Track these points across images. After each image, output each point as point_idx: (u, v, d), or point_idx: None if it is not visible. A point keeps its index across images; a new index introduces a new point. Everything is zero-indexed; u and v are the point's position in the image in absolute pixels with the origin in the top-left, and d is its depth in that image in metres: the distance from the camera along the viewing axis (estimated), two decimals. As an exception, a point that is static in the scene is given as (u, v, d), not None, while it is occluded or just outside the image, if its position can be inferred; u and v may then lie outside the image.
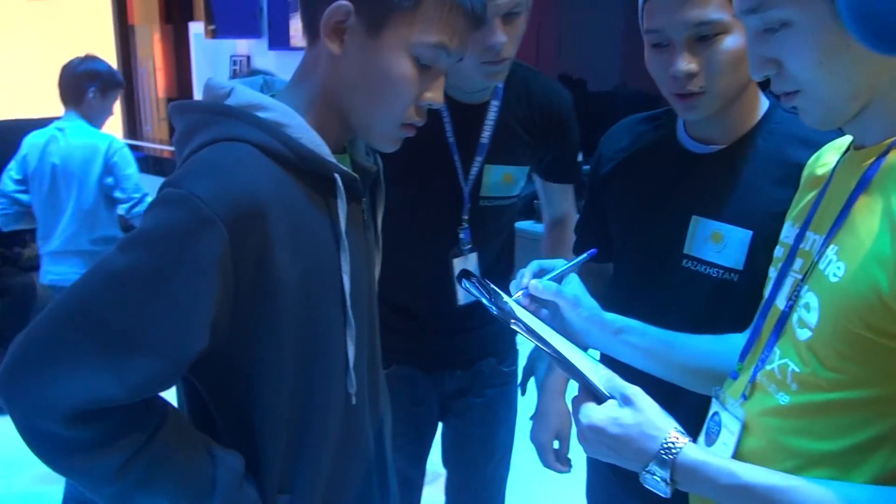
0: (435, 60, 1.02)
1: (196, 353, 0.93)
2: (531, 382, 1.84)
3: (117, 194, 3.12)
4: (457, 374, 1.78)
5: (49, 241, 3.15)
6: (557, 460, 1.71)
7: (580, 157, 1.82)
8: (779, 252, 1.09)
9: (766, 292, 1.07)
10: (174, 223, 0.91)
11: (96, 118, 3.22)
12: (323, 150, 1.01)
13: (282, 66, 5.15)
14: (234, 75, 6.04)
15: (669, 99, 1.28)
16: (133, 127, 7.32)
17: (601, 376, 0.99)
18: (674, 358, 1.20)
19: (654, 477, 0.90)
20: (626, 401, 0.94)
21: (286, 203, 0.98)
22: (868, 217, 0.88)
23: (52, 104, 4.85)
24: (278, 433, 1.03)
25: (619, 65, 5.29)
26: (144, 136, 7.31)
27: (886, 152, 0.89)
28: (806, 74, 0.89)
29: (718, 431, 1.04)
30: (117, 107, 3.46)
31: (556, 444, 1.71)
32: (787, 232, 1.09)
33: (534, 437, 1.71)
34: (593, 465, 1.64)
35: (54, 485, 3.00)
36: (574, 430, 1.61)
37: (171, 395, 1.02)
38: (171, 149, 3.53)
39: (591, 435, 0.94)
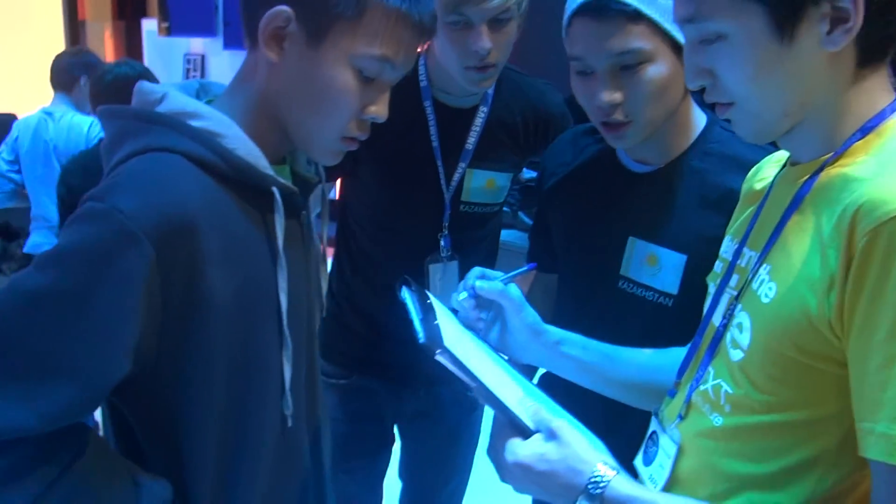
0: (379, 73, 0.98)
1: (117, 378, 0.88)
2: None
3: None
4: (419, 392, 1.73)
5: (44, 219, 3.30)
6: None
7: None
8: (718, 267, 1.08)
9: (705, 308, 1.06)
10: (95, 240, 0.85)
11: (83, 105, 3.34)
12: (260, 161, 0.96)
13: (237, 66, 5.09)
14: (187, 75, 5.96)
15: (597, 127, 1.26)
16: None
17: (528, 409, 0.97)
18: (614, 373, 1.18)
19: None
20: (551, 435, 0.92)
21: (219, 218, 0.93)
22: (800, 237, 0.87)
23: (4, 100, 4.75)
24: (208, 459, 0.98)
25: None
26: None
27: (820, 170, 0.89)
28: (739, 88, 0.89)
29: (656, 452, 1.03)
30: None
31: None
32: (727, 247, 1.08)
33: (489, 452, 1.70)
34: None
35: None
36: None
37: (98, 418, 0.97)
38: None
39: (518, 472, 0.92)
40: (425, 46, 1.56)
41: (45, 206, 3.28)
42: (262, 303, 0.99)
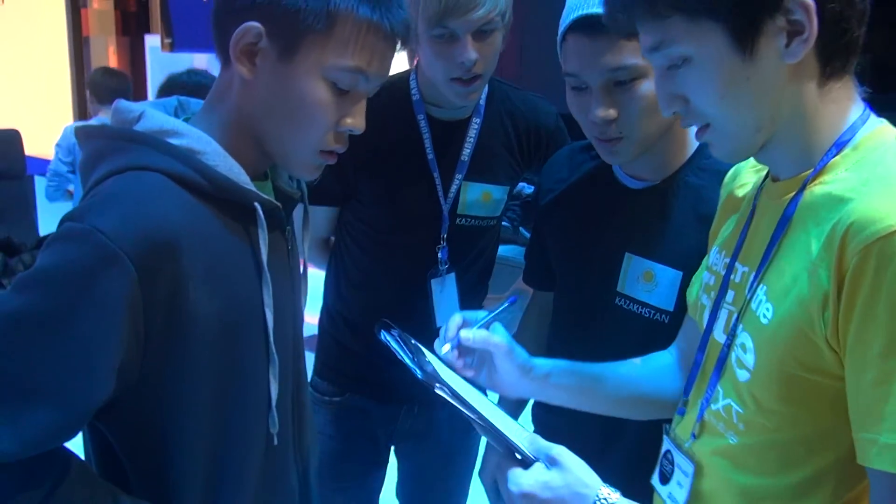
0: (353, 85, 0.96)
1: (100, 401, 0.87)
2: None
3: None
4: (413, 413, 1.71)
5: None
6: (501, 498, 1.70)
7: None
8: (708, 278, 1.08)
9: (703, 322, 1.07)
10: (75, 261, 0.83)
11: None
12: (241, 177, 0.95)
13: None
14: (190, 89, 5.97)
15: (592, 142, 1.26)
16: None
17: (524, 438, 0.97)
18: (604, 391, 1.19)
19: None
20: (551, 462, 0.92)
21: (201, 236, 0.91)
22: (791, 256, 0.89)
23: (7, 115, 4.77)
24: (195, 478, 0.97)
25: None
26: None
27: (802, 188, 0.91)
28: (711, 109, 0.90)
29: (672, 471, 1.05)
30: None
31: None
32: (715, 258, 1.08)
33: (480, 474, 1.71)
34: None
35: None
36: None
37: (77, 442, 0.95)
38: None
39: (524, 502, 0.92)
40: (415, 62, 1.56)
41: None
42: (248, 320, 0.98)
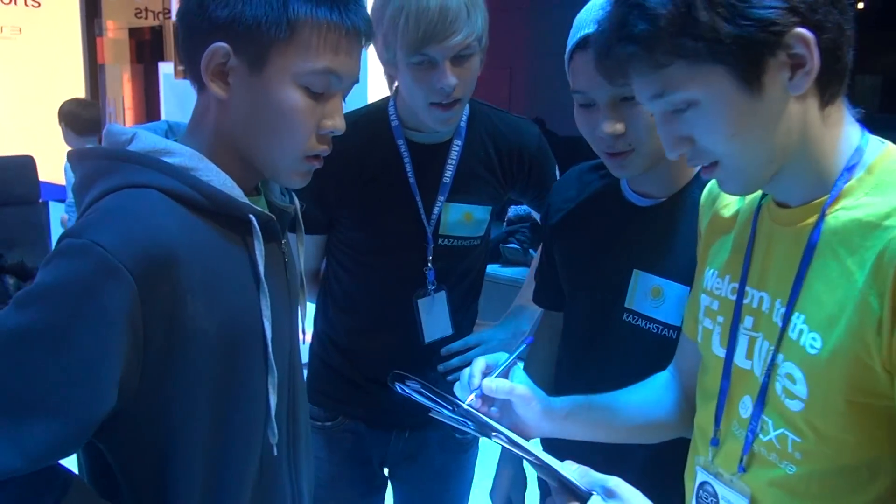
0: (327, 86, 0.98)
1: (102, 413, 0.87)
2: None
3: None
4: (405, 435, 1.70)
5: None
6: None
7: None
8: (709, 302, 1.08)
9: (712, 346, 1.06)
10: (75, 275, 0.84)
11: None
12: (235, 191, 0.97)
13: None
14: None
15: (601, 157, 1.28)
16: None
17: (574, 472, 0.96)
18: (618, 421, 1.20)
19: None
20: (609, 494, 0.92)
21: (199, 249, 0.93)
22: (828, 285, 0.89)
23: (23, 141, 4.82)
24: (192, 493, 0.97)
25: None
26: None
27: (823, 214, 0.91)
28: (720, 147, 0.90)
29: (714, 503, 1.04)
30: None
31: None
32: (713, 281, 1.08)
33: (492, 495, 1.69)
34: None
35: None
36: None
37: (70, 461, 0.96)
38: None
39: None
40: (394, 88, 1.57)
41: None
42: (247, 331, 0.99)
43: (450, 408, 1.07)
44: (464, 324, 1.71)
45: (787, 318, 0.93)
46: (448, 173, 1.57)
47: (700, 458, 1.08)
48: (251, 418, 1.01)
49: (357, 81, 1.03)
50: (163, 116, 6.07)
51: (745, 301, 1.01)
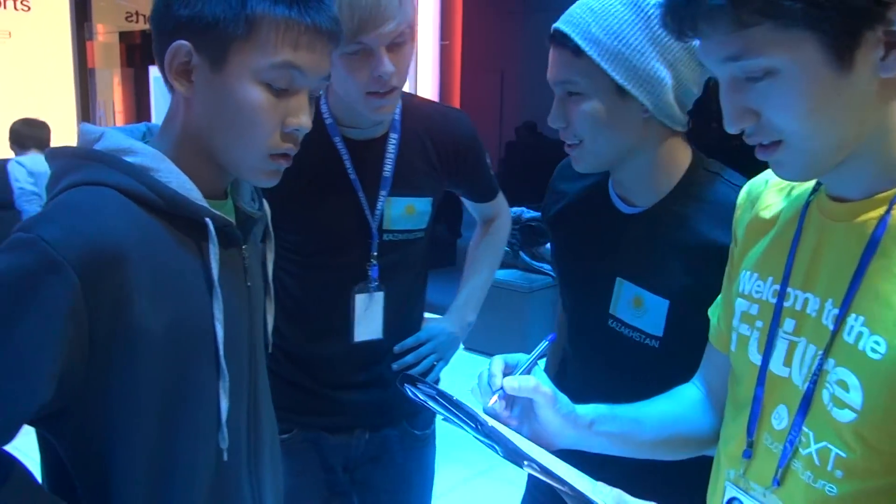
0: (289, 82, 0.97)
1: (36, 406, 0.87)
2: None
3: None
4: (364, 437, 1.69)
5: None
6: None
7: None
8: (747, 307, 1.00)
9: (748, 353, 0.99)
10: (18, 268, 0.85)
11: None
12: (193, 194, 0.97)
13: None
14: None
15: None
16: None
17: (610, 497, 0.93)
18: (643, 436, 1.13)
19: None
20: None
21: (150, 249, 0.93)
22: (894, 283, 0.82)
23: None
24: (137, 493, 0.96)
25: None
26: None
27: (890, 209, 0.84)
28: (792, 125, 0.82)
29: None
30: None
31: None
32: (752, 284, 1.00)
33: None
34: None
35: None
36: None
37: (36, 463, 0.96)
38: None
39: None
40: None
41: None
42: (198, 334, 0.99)
43: (472, 424, 0.99)
44: (404, 327, 1.70)
45: (840, 320, 0.86)
46: (388, 167, 1.58)
47: (730, 471, 1.00)
48: (201, 422, 1.01)
49: (327, 79, 1.03)
50: (153, 120, 6.06)
51: (787, 304, 0.93)
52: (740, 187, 1.12)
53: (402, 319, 1.67)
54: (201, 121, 0.98)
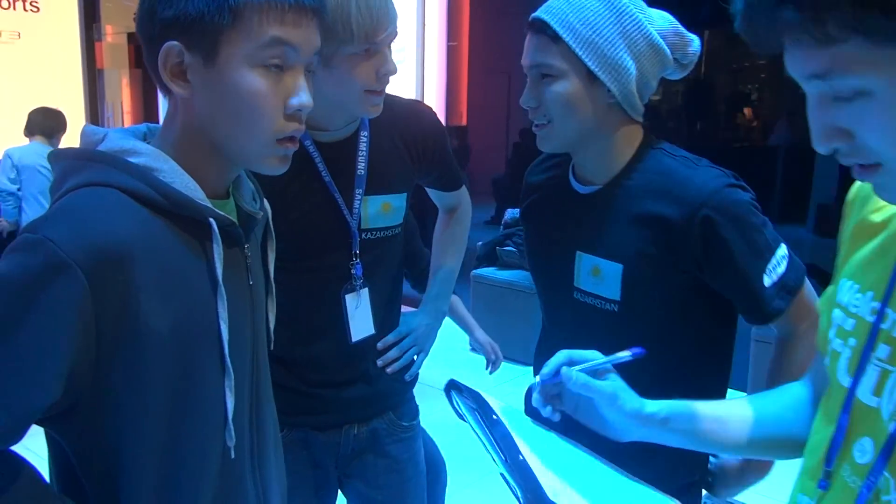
0: (284, 60, 0.97)
1: (44, 406, 0.87)
2: None
3: None
4: (353, 431, 1.70)
5: None
6: None
7: None
8: (842, 320, 0.91)
9: (836, 373, 0.90)
10: (26, 269, 0.86)
11: None
12: (196, 193, 0.98)
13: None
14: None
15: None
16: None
17: None
18: (729, 435, 1.09)
19: None
20: None
21: (155, 249, 0.94)
22: None
23: (22, 142, 4.86)
24: (146, 492, 0.97)
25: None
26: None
27: None
28: (891, 150, 0.73)
29: None
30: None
31: None
32: (850, 295, 0.90)
33: None
34: None
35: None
36: None
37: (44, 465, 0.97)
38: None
39: None
40: None
41: None
42: (202, 333, 0.99)
43: (503, 457, 0.95)
44: (388, 321, 1.72)
45: None
46: (361, 165, 1.59)
47: (803, 497, 0.92)
48: (208, 420, 1.01)
49: (318, 54, 1.03)
50: (161, 121, 6.09)
51: (884, 325, 0.83)
52: (679, 156, 1.33)
53: (388, 313, 1.70)
54: (203, 118, 0.99)
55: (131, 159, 0.96)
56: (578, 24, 1.31)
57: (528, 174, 1.63)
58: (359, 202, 1.58)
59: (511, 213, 5.14)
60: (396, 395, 1.77)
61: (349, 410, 1.67)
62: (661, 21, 1.36)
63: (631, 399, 1.04)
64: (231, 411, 1.02)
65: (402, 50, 7.03)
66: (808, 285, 1.34)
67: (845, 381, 0.88)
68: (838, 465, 0.87)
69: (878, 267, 0.87)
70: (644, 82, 1.35)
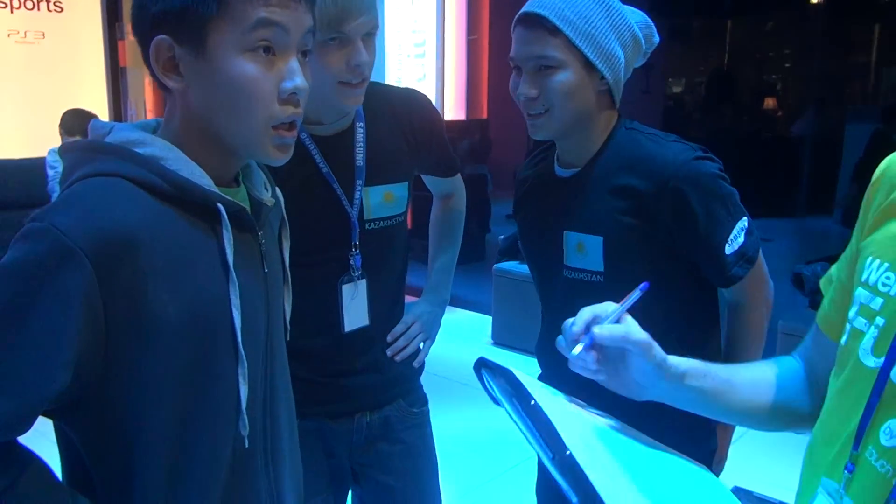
0: (273, 42, 0.97)
1: (54, 393, 0.88)
2: None
3: None
4: (365, 419, 1.72)
5: None
6: None
7: None
8: (867, 299, 0.89)
9: (861, 354, 0.87)
10: (32, 256, 0.86)
11: None
12: (203, 180, 0.98)
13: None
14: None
15: (525, 118, 1.52)
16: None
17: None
18: (737, 397, 1.09)
19: None
20: None
21: (163, 236, 0.94)
22: None
23: (46, 144, 4.91)
24: (158, 482, 0.96)
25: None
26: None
27: None
28: None
29: None
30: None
31: None
32: (880, 275, 0.88)
33: (537, 490, 1.75)
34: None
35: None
36: None
37: (54, 457, 0.97)
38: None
39: None
40: None
41: None
42: (214, 320, 0.99)
43: (550, 454, 0.90)
44: (395, 309, 1.74)
45: None
46: (359, 156, 1.59)
47: (828, 482, 0.90)
48: (220, 409, 1.01)
49: (313, 35, 1.02)
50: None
51: None
52: (649, 133, 1.47)
53: (387, 304, 1.70)
54: (200, 110, 0.99)
55: (137, 150, 0.96)
56: (574, 18, 1.42)
57: (517, 172, 1.75)
58: (359, 193, 1.59)
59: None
60: (407, 381, 1.79)
61: (361, 398, 1.69)
62: (634, 15, 1.50)
63: (659, 350, 1.05)
64: (245, 400, 1.01)
65: (422, 44, 7.02)
66: (762, 258, 1.50)
67: (870, 361, 0.86)
68: (864, 448, 0.85)
69: None
70: (627, 70, 1.50)
